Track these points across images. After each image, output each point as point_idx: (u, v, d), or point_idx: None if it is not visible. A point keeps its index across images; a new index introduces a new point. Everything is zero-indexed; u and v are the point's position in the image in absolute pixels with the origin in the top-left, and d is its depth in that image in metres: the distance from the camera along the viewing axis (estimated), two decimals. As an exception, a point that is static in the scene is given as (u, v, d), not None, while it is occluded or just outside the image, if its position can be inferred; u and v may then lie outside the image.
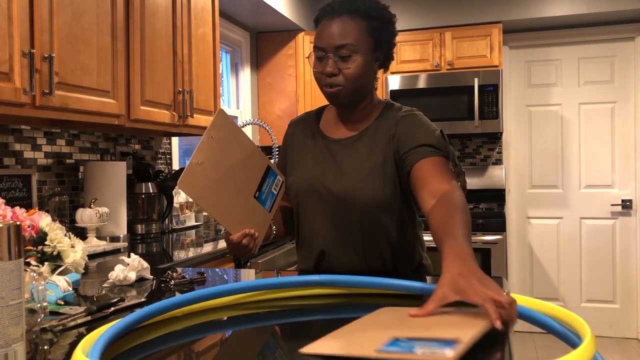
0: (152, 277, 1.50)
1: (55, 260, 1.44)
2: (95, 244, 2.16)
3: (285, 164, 1.63)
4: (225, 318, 1.11)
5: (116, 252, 2.20)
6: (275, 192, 1.49)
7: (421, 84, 4.11)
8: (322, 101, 1.65)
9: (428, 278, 1.50)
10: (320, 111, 1.63)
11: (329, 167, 1.51)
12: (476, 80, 3.98)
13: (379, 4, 1.44)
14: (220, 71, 3.77)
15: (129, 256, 1.47)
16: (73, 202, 2.43)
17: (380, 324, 0.98)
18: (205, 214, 3.43)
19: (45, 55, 1.77)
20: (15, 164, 2.15)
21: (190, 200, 3.23)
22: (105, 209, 2.23)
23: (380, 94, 4.19)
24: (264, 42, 4.25)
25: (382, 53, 1.47)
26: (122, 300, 1.22)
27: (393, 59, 1.53)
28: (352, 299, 1.22)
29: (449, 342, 0.83)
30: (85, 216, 2.18)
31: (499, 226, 3.78)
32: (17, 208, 1.45)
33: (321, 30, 1.43)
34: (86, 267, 1.75)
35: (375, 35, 1.43)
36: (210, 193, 1.33)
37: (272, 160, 1.50)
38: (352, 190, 1.46)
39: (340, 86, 1.42)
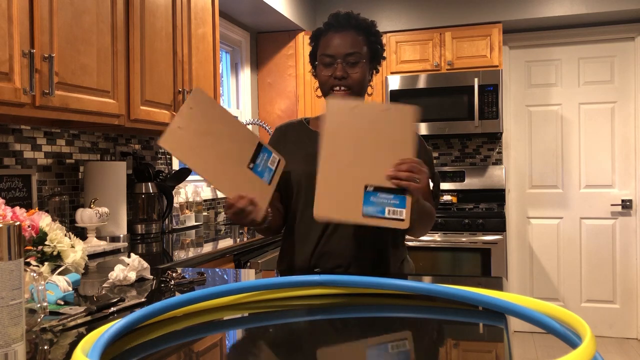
0: (152, 277, 1.50)
1: (55, 260, 1.44)
2: (95, 244, 2.16)
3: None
4: (225, 318, 1.11)
5: (116, 252, 2.20)
6: (273, 168, 1.53)
7: (421, 84, 4.11)
8: (322, 101, 1.67)
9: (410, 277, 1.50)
10: (306, 120, 1.76)
11: None
12: (476, 80, 3.98)
13: (372, 21, 1.66)
14: (220, 71, 3.77)
15: (129, 256, 1.47)
16: (73, 202, 2.43)
17: (345, 167, 1.40)
18: (205, 213, 3.43)
19: (45, 55, 1.77)
20: (15, 164, 2.15)
21: (191, 200, 3.23)
22: (105, 209, 2.23)
23: (381, 94, 4.19)
24: (264, 42, 4.25)
25: (376, 63, 1.68)
26: (122, 300, 1.22)
27: (379, 71, 1.73)
28: (352, 299, 1.22)
29: (401, 198, 1.38)
30: (85, 216, 2.18)
31: (499, 226, 3.78)
32: (17, 208, 1.45)
33: (329, 40, 1.60)
34: (86, 267, 1.75)
35: (372, 48, 1.64)
36: (196, 155, 1.40)
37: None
38: None
39: (349, 88, 1.59)
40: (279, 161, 1.55)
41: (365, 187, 1.37)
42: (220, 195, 3.70)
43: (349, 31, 1.60)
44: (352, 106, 1.45)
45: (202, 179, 3.60)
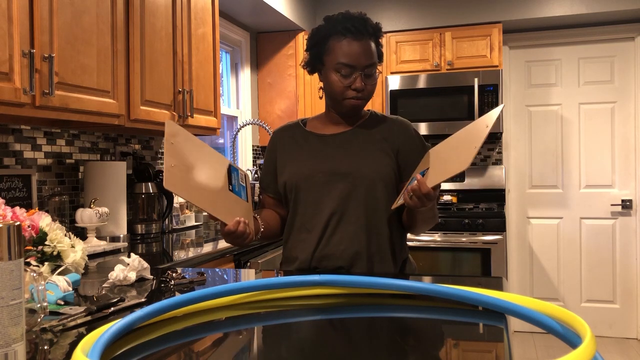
0: (152, 277, 1.50)
1: (55, 260, 1.44)
2: (95, 244, 2.16)
3: (275, 166, 1.70)
4: (225, 318, 1.11)
5: (116, 252, 2.20)
6: (244, 185, 1.56)
7: (421, 84, 4.11)
8: (322, 102, 1.67)
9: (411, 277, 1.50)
10: (302, 121, 1.75)
11: (330, 153, 1.62)
12: (476, 80, 3.98)
13: (379, 25, 1.64)
14: (220, 71, 3.77)
15: (129, 256, 1.47)
16: (73, 202, 2.43)
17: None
18: (205, 213, 3.43)
19: (45, 55, 1.77)
20: (15, 164, 2.15)
21: (190, 200, 3.22)
22: (105, 209, 2.23)
23: (380, 94, 4.19)
24: (264, 42, 4.25)
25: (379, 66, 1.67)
26: (122, 300, 1.22)
27: None
28: (352, 299, 1.22)
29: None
30: (85, 216, 2.18)
31: (499, 226, 3.78)
32: (17, 208, 1.45)
33: (346, 47, 1.56)
34: (86, 267, 1.75)
35: (379, 53, 1.63)
36: (194, 190, 1.41)
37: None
38: (359, 165, 1.58)
39: (364, 99, 1.60)
40: (245, 176, 1.58)
41: (426, 169, 1.47)
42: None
43: (367, 39, 1.57)
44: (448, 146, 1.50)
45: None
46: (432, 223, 1.61)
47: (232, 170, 1.53)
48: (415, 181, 1.39)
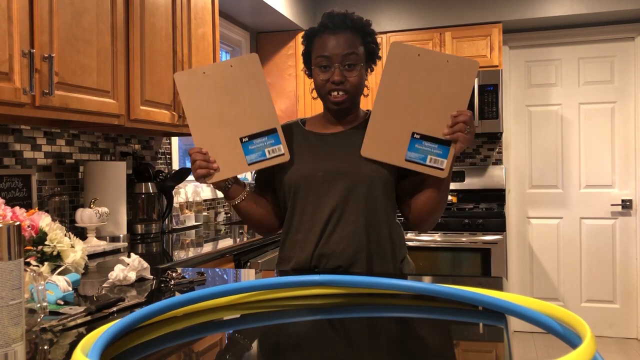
0: (152, 277, 1.50)
1: (55, 260, 1.44)
2: (95, 244, 2.16)
3: (272, 165, 1.66)
4: (225, 318, 1.11)
5: (116, 252, 2.20)
6: (267, 156, 1.54)
7: (421, 84, 4.11)
8: (320, 101, 1.67)
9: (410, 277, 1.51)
10: (302, 120, 1.74)
11: (329, 153, 1.62)
12: (476, 80, 3.98)
13: (367, 21, 1.63)
14: (220, 71, 3.77)
15: (129, 256, 1.47)
16: (73, 202, 2.43)
17: (397, 111, 1.44)
18: (205, 213, 3.43)
19: (45, 55, 1.78)
20: (15, 164, 2.15)
21: (191, 200, 3.23)
22: (105, 209, 2.23)
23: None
24: (264, 42, 4.25)
25: (371, 62, 1.65)
26: (122, 300, 1.22)
27: (373, 70, 1.70)
28: (352, 299, 1.22)
29: (444, 148, 1.44)
30: (85, 216, 2.18)
31: (499, 226, 3.78)
32: (17, 208, 1.45)
33: (325, 41, 1.58)
34: (86, 267, 1.75)
35: (368, 48, 1.62)
36: (198, 102, 1.44)
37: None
38: (359, 164, 1.57)
39: (347, 93, 1.57)
40: (280, 155, 1.54)
41: (413, 134, 1.43)
42: (219, 195, 3.70)
43: (345, 32, 1.57)
44: (415, 53, 1.45)
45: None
46: (442, 211, 1.61)
47: (271, 135, 1.51)
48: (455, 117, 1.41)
